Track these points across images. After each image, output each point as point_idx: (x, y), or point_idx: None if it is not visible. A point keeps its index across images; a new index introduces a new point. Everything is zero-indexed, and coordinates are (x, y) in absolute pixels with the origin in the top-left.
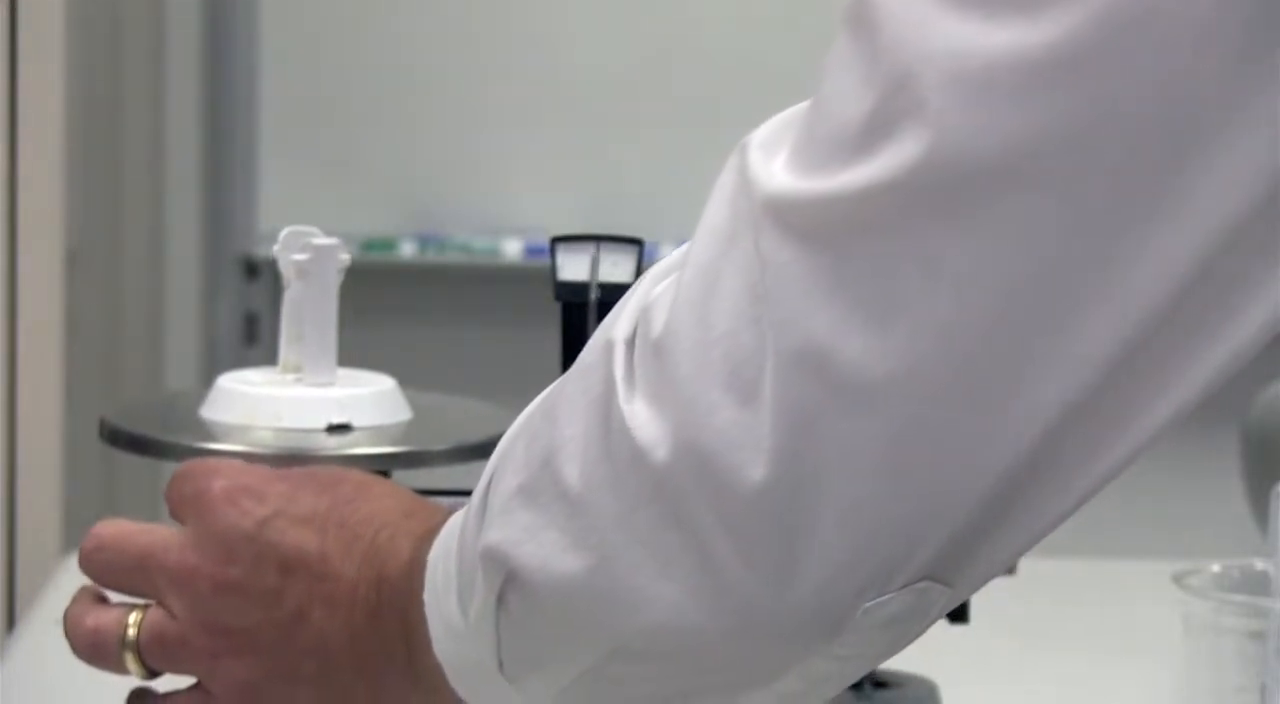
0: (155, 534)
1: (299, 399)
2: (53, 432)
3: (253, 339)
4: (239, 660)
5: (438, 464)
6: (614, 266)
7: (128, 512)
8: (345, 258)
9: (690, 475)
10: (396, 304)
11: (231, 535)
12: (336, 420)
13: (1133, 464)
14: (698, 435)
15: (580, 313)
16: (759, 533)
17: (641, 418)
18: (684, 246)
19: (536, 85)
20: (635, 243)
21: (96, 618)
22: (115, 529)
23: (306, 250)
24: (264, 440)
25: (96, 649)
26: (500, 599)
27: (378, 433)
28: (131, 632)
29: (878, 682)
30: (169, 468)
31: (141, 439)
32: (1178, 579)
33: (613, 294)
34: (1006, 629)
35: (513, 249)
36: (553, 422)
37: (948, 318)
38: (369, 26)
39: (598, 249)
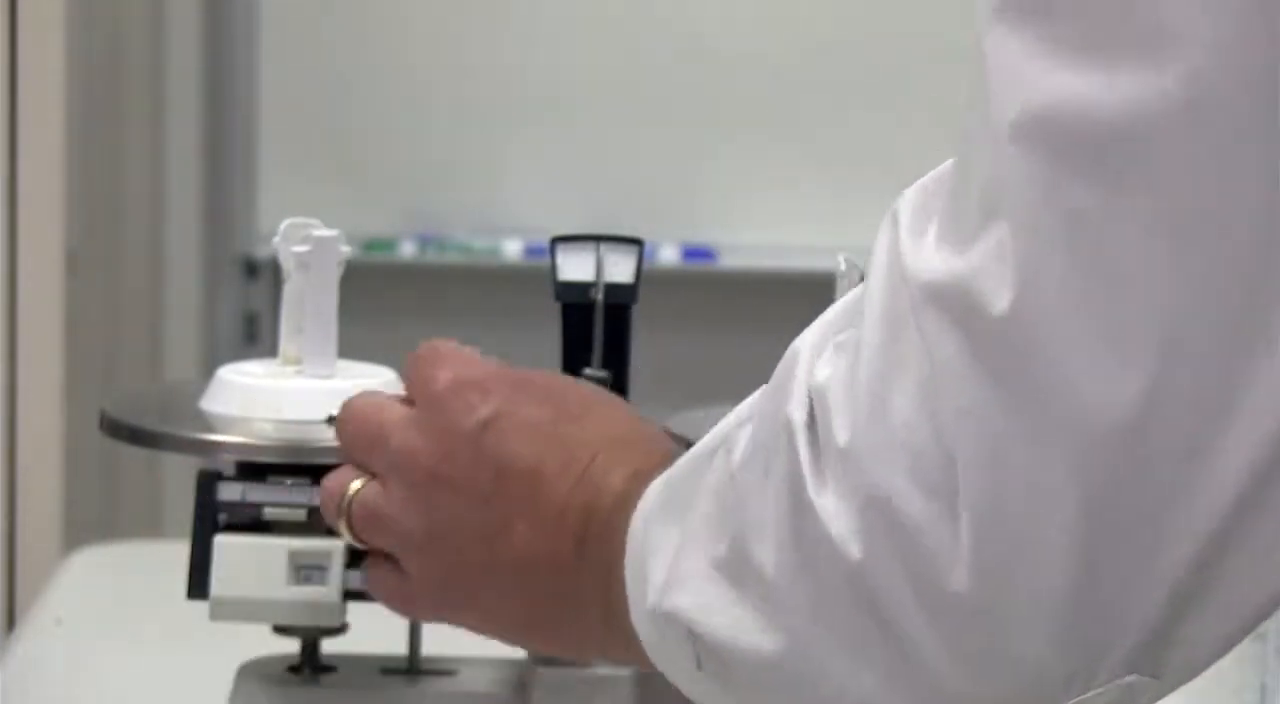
0: (390, 412)
1: (299, 391)
2: (53, 431)
3: (253, 339)
4: (438, 554)
5: None
6: (614, 266)
7: (128, 511)
8: (346, 250)
9: (887, 573)
10: (396, 304)
11: (452, 431)
12: (336, 412)
13: None
14: (892, 535)
15: (580, 313)
16: (963, 630)
17: (831, 511)
18: (839, 304)
19: (536, 85)
20: (635, 243)
21: (332, 478)
22: (362, 403)
23: (307, 242)
24: (264, 432)
25: (324, 505)
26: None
27: None
28: (349, 498)
29: None
30: (170, 466)
31: (141, 431)
32: None
33: (613, 294)
34: None
35: (513, 249)
36: (741, 501)
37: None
38: (369, 26)
39: (598, 249)
